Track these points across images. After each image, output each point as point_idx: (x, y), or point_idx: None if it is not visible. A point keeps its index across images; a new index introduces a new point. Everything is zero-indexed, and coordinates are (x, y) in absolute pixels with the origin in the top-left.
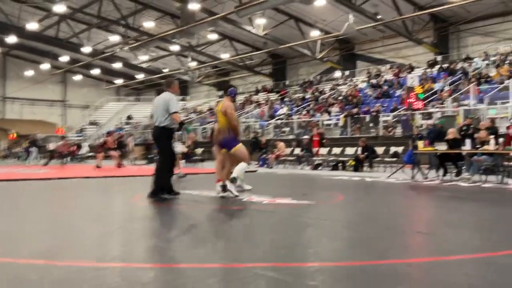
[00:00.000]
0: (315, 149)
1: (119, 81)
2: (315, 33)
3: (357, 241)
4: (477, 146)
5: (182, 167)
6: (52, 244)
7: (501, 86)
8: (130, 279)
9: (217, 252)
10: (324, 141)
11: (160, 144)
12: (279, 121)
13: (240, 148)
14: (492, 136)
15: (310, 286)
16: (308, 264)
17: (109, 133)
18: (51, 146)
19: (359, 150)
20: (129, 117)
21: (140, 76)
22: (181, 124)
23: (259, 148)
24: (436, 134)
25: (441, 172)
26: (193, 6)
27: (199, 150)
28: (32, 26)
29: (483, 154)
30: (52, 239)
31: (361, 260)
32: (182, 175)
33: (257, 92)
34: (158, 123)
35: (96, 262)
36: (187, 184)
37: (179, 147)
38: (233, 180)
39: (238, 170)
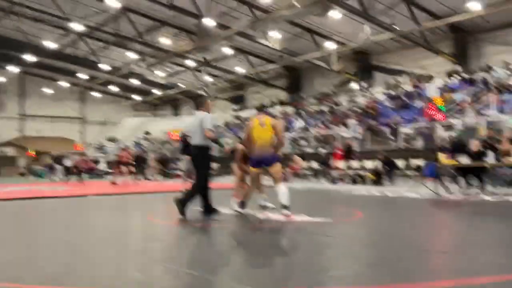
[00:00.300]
0: (338, 162)
1: (136, 97)
2: (330, 45)
3: (377, 262)
4: (500, 158)
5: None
6: (60, 268)
7: None
8: None
9: (233, 276)
10: (352, 153)
11: (197, 163)
12: (295, 134)
13: (279, 166)
14: None
15: None
16: None
17: (124, 149)
18: (68, 162)
19: (379, 163)
20: (146, 133)
21: (157, 92)
22: (215, 140)
23: None
24: (455, 146)
25: (463, 184)
26: (209, 22)
27: (215, 165)
28: (51, 44)
29: (508, 166)
30: (61, 262)
31: (382, 284)
32: None
33: (272, 104)
34: (196, 142)
35: (104, 286)
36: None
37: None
38: (286, 207)
39: (285, 196)
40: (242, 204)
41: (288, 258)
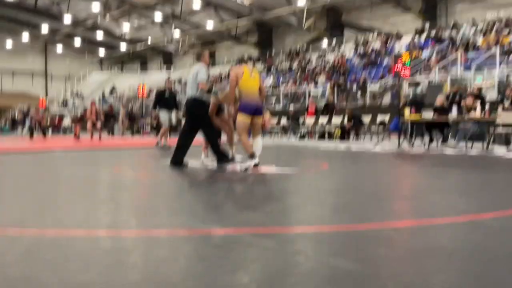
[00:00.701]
0: (310, 119)
1: (102, 52)
2: (301, 1)
3: (341, 207)
4: (464, 113)
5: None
6: (27, 212)
7: (488, 54)
8: (106, 247)
9: (199, 218)
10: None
11: (195, 115)
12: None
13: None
14: (478, 103)
15: (292, 252)
16: (289, 229)
17: (92, 103)
18: (32, 118)
19: (346, 119)
20: (112, 89)
21: (124, 47)
22: (209, 91)
23: None
24: (413, 103)
25: (426, 139)
26: None
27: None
28: None
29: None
30: (27, 208)
31: (345, 225)
32: (167, 147)
33: (242, 61)
34: (189, 95)
35: (72, 229)
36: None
37: (167, 118)
38: (253, 156)
39: (260, 148)
40: (251, 156)
41: (253, 203)
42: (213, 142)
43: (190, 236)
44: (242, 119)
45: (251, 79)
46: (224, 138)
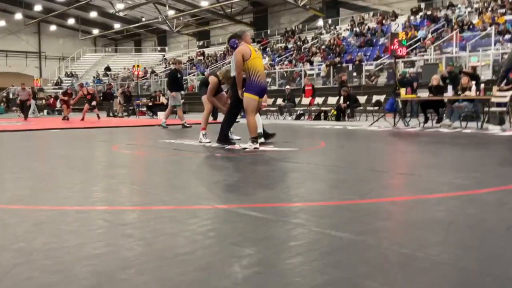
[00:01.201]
0: (307, 99)
1: (96, 31)
2: None
3: (340, 183)
4: (459, 92)
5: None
6: (31, 191)
7: (483, 33)
8: (112, 221)
9: (199, 195)
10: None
11: (232, 92)
12: None
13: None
14: (473, 83)
15: (293, 224)
16: (291, 204)
17: (80, 85)
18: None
19: (341, 99)
20: (107, 69)
21: (117, 26)
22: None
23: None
24: (402, 83)
25: (422, 119)
26: None
27: None
28: None
29: (464, 100)
30: (27, 186)
31: (344, 200)
32: (188, 126)
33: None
34: (233, 74)
35: (78, 206)
36: (169, 134)
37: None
38: (256, 139)
39: (260, 124)
40: (264, 136)
41: (254, 179)
42: (228, 120)
43: (194, 211)
44: (253, 99)
45: (258, 57)
46: (220, 118)
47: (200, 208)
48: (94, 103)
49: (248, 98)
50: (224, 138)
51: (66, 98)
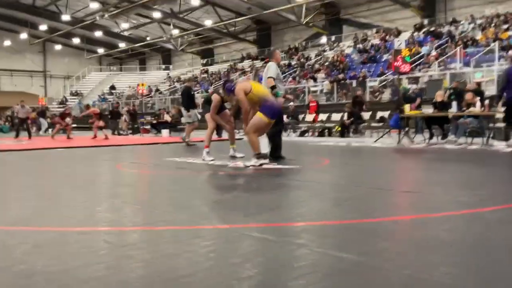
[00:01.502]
0: (311, 116)
1: (101, 51)
2: None
3: (343, 201)
4: (463, 108)
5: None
6: (29, 210)
7: (487, 49)
8: (113, 242)
9: (201, 214)
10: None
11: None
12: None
13: None
14: (478, 99)
15: (295, 244)
16: (293, 224)
17: (88, 107)
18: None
19: (345, 115)
20: (112, 87)
21: (122, 45)
22: (273, 87)
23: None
24: (402, 99)
25: (427, 135)
26: None
27: (183, 119)
28: None
29: (469, 116)
30: (30, 206)
31: (347, 219)
32: (192, 144)
33: (242, 59)
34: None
35: (80, 227)
36: (173, 152)
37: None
38: (260, 155)
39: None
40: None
41: (257, 198)
42: (273, 135)
43: (196, 231)
44: (263, 120)
45: (260, 85)
46: (224, 135)
47: (202, 228)
48: (102, 122)
49: (259, 118)
50: (276, 155)
51: (61, 119)
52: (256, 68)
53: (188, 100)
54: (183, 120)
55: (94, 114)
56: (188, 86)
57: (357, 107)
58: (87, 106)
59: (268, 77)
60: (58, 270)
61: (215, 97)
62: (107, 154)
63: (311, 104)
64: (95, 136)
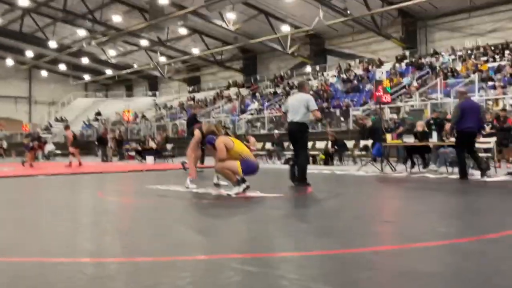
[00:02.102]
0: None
1: (87, 77)
2: (285, 28)
3: (324, 231)
4: (443, 138)
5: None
6: (9, 240)
7: (467, 80)
8: (90, 274)
9: (179, 244)
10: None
11: (299, 137)
12: (250, 116)
13: None
14: None
15: (275, 276)
16: (274, 255)
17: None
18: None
19: (329, 144)
20: (98, 114)
21: (109, 72)
22: (320, 120)
23: None
24: (368, 131)
25: (408, 164)
26: (162, 0)
27: (169, 146)
28: None
29: (449, 146)
30: (9, 236)
31: (328, 249)
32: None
33: (228, 86)
34: (297, 119)
35: (57, 257)
36: (156, 179)
37: None
38: (239, 182)
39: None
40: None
41: (238, 227)
42: (303, 163)
43: (174, 262)
44: (236, 169)
45: (241, 144)
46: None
47: (180, 259)
48: (72, 149)
49: (235, 165)
50: (303, 180)
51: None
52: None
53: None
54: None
55: (69, 139)
56: (194, 112)
57: (367, 134)
58: (67, 127)
59: (313, 110)
60: None
61: (197, 134)
62: (90, 182)
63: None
64: (80, 163)
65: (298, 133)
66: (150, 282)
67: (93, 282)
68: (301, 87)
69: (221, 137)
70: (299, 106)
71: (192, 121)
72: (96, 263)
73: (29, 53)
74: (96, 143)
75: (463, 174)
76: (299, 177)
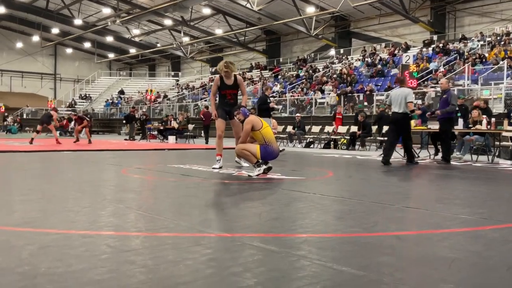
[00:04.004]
0: (333, 127)
1: (111, 55)
2: (310, 10)
3: (345, 215)
4: (469, 125)
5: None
6: (36, 213)
7: (496, 67)
8: (115, 246)
9: (203, 222)
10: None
11: (401, 124)
12: (272, 99)
13: None
14: (484, 116)
15: (295, 256)
16: (295, 235)
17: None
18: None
19: (355, 127)
20: (121, 92)
21: (133, 51)
22: (412, 111)
23: None
24: (378, 118)
25: (432, 151)
26: None
27: (190, 126)
28: None
29: (475, 133)
30: (36, 209)
31: (348, 232)
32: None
33: (250, 68)
34: (401, 110)
35: (84, 230)
36: (178, 159)
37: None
38: (259, 163)
39: None
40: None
41: (260, 208)
42: (409, 145)
43: (197, 238)
44: (255, 151)
45: (268, 127)
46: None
47: (204, 236)
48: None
49: (254, 148)
50: (411, 158)
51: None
52: (264, 79)
53: (262, 108)
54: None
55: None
56: (265, 94)
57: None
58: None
59: (409, 102)
60: (61, 272)
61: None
62: (113, 159)
63: (337, 116)
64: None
65: (401, 121)
66: (173, 257)
67: (118, 255)
68: (402, 82)
69: (252, 117)
70: (401, 99)
71: (264, 102)
72: (121, 237)
73: (55, 30)
74: (124, 121)
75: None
76: (407, 157)
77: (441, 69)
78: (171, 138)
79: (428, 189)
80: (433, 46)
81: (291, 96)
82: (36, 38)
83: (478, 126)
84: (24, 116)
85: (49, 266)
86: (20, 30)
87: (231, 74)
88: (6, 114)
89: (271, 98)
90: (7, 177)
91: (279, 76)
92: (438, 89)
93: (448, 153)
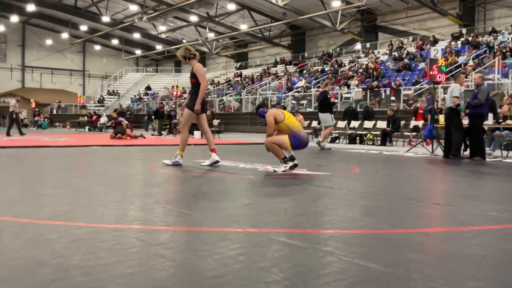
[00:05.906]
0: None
1: (138, 52)
2: (336, 4)
3: (372, 211)
4: (500, 120)
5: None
6: (65, 207)
7: None
8: (145, 240)
9: (231, 217)
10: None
11: (451, 119)
12: (296, 94)
13: None
14: None
15: (322, 251)
16: (322, 231)
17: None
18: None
19: (386, 121)
20: (147, 88)
21: (159, 47)
22: (458, 105)
23: None
24: (350, 113)
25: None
26: None
27: (216, 122)
28: None
29: (505, 129)
30: (66, 202)
31: (375, 229)
32: (328, 148)
33: (275, 64)
34: (448, 105)
35: (114, 224)
36: (204, 154)
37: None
38: (285, 159)
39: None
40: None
41: (286, 203)
42: (458, 140)
43: (225, 233)
44: (285, 143)
45: (292, 117)
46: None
47: (232, 231)
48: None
49: (283, 139)
50: (457, 152)
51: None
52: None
53: (322, 104)
54: (322, 124)
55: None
56: (325, 90)
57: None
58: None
59: (454, 97)
60: (93, 264)
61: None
62: (141, 154)
63: (420, 111)
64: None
65: (451, 116)
66: (202, 252)
67: (148, 249)
68: (455, 78)
69: (272, 109)
70: (449, 94)
71: (325, 98)
72: (151, 231)
73: (83, 28)
74: (153, 116)
75: None
76: (453, 151)
77: (470, 62)
78: (197, 134)
79: (457, 186)
80: (462, 39)
81: (316, 91)
82: (65, 36)
83: (508, 121)
84: (54, 112)
85: (81, 259)
86: (50, 27)
87: (188, 61)
88: (36, 109)
89: (330, 93)
90: (38, 171)
91: (304, 71)
92: (467, 83)
93: (482, 149)
